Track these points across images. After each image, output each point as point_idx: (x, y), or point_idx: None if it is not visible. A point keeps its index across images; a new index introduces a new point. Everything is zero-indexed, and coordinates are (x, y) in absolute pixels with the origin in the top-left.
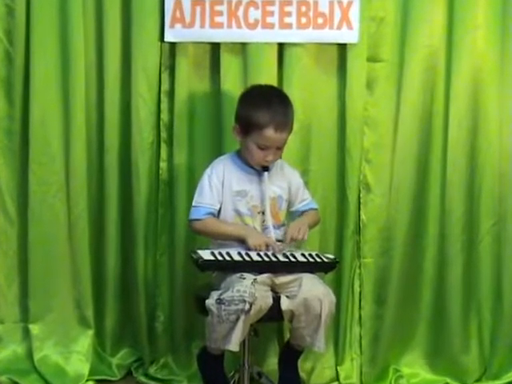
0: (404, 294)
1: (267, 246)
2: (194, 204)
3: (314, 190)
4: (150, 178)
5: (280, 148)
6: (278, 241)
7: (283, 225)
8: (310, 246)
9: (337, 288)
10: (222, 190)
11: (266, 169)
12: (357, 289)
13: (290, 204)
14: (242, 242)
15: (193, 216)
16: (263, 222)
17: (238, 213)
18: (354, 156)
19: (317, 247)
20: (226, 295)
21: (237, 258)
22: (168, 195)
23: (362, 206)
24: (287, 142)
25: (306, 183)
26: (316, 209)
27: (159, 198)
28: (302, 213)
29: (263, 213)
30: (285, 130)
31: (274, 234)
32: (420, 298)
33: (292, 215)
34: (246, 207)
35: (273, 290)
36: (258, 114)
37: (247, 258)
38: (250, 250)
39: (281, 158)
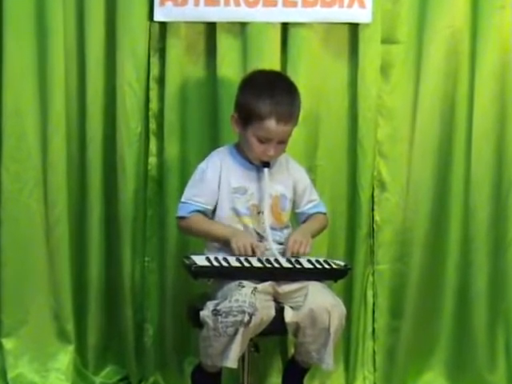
0: (423, 304)
1: (253, 249)
2: (181, 200)
3: (322, 189)
4: (137, 174)
5: (283, 142)
6: (281, 244)
7: (287, 226)
8: (317, 252)
9: (347, 298)
10: (219, 187)
11: (266, 164)
12: (370, 299)
13: (295, 205)
14: (227, 244)
15: (178, 213)
16: (263, 223)
17: (236, 212)
18: (366, 150)
19: (325, 252)
20: (223, 306)
21: (235, 263)
22: (158, 193)
23: (375, 206)
24: (292, 135)
25: (313, 181)
26: (324, 213)
27: (148, 197)
28: (309, 216)
29: (263, 212)
30: (289, 122)
31: (271, 237)
32: (441, 308)
33: (297, 218)
34: (244, 206)
35: (275, 299)
36: (259, 103)
37: (247, 264)
38: (233, 252)
39: (285, 152)
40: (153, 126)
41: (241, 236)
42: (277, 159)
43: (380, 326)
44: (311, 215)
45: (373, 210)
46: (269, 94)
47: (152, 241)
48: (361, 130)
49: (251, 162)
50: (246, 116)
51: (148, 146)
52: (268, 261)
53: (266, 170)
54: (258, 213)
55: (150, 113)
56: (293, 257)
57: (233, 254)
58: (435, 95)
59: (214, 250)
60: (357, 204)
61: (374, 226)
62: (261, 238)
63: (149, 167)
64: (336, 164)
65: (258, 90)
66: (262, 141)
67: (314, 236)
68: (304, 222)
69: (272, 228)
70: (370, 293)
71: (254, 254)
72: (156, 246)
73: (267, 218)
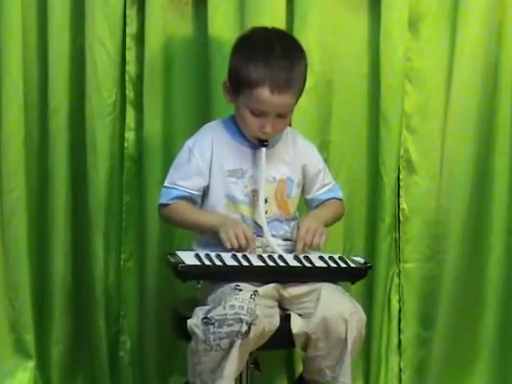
0: (460, 311)
1: (246, 239)
2: (164, 184)
3: (336, 170)
4: (111, 152)
5: (283, 116)
6: (286, 240)
7: (294, 218)
8: (330, 247)
9: (367, 303)
10: (210, 169)
11: (264, 143)
12: (395, 304)
13: (305, 190)
14: (217, 235)
15: (161, 199)
16: (266, 211)
17: (232, 199)
18: (391, 123)
19: (340, 247)
20: (216, 313)
21: (230, 262)
22: (136, 176)
23: (402, 192)
24: (296, 107)
25: (325, 160)
26: (340, 199)
27: (124, 181)
28: (321, 203)
29: (266, 200)
30: (286, 92)
31: (268, 231)
32: (481, 315)
33: (308, 205)
34: (242, 192)
35: (280, 305)
36: (249, 67)
37: (245, 263)
38: (224, 245)
39: (290, 125)
40: (130, 94)
41: (231, 224)
42: (281, 135)
43: (407, 338)
44: (324, 201)
45: (399, 196)
46: (263, 57)
47: (129, 233)
48: (384, 99)
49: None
50: (236, 83)
51: (124, 118)
52: (271, 258)
53: (263, 149)
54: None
55: (127, 78)
56: (303, 251)
57: (226, 249)
58: (475, 55)
59: (205, 245)
60: (379, 189)
61: (400, 216)
62: (261, 230)
63: (125, 144)
64: (353, 140)
65: (250, 52)
66: (256, 114)
67: (327, 225)
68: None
69: (276, 220)
70: (395, 297)
71: (247, 246)
72: (134, 239)
73: (262, 208)
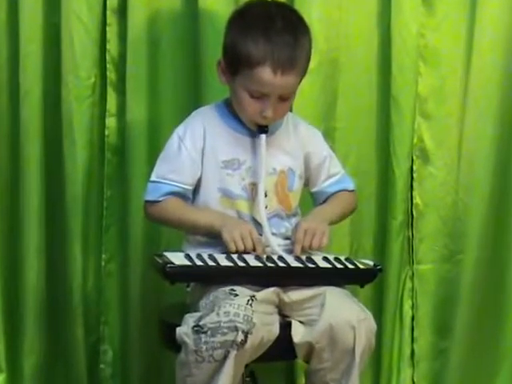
0: (480, 317)
1: (253, 242)
2: (151, 178)
3: (342, 161)
4: (90, 141)
5: (285, 99)
6: (288, 238)
7: (295, 214)
8: (336, 247)
9: (377, 309)
10: (203, 160)
11: (263, 129)
12: (408, 310)
13: (310, 182)
14: (217, 236)
15: (148, 196)
16: (266, 207)
17: (227, 194)
18: (403, 108)
19: (347, 248)
20: (209, 320)
21: (224, 262)
22: (119, 168)
23: (416, 184)
24: (298, 89)
25: (330, 149)
26: (351, 190)
27: (105, 173)
28: (330, 196)
29: (266, 194)
30: (291, 71)
31: (268, 228)
32: (504, 322)
33: (314, 199)
34: (238, 185)
35: (280, 312)
36: (248, 45)
37: (241, 264)
38: (227, 247)
39: (291, 110)
40: (111, 75)
41: (235, 224)
42: (281, 121)
43: (421, 348)
44: (332, 195)
45: (412, 189)
46: (263, 31)
47: (111, 232)
48: (395, 80)
49: (246, 125)
50: (233, 62)
51: (105, 102)
52: (270, 259)
53: (263, 136)
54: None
55: (108, 57)
56: (303, 253)
57: (225, 250)
58: (497, 32)
59: (196, 245)
60: (390, 182)
61: (414, 211)
62: (260, 228)
63: (106, 132)
64: (361, 127)
65: (249, 26)
66: (255, 96)
67: (334, 222)
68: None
69: (277, 216)
70: (407, 302)
71: (254, 249)
72: (116, 239)
73: (262, 203)
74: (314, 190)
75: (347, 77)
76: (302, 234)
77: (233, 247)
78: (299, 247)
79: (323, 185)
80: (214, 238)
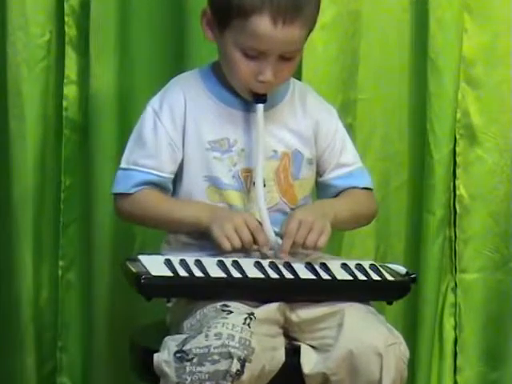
0: None
1: (252, 235)
2: (121, 165)
3: (365, 143)
4: (43, 115)
5: (289, 58)
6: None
7: None
8: (358, 250)
9: (411, 331)
10: (184, 140)
11: (261, 99)
12: (449, 332)
13: (317, 169)
14: (205, 234)
15: (117, 187)
16: (264, 199)
17: (215, 182)
18: (444, 73)
19: (371, 251)
20: (196, 345)
21: (215, 271)
22: (80, 151)
23: (459, 171)
24: (306, 46)
25: (349, 128)
26: (369, 188)
27: (63, 157)
28: (339, 194)
29: (264, 184)
30: (295, 21)
31: (270, 226)
32: None
33: (318, 193)
34: (228, 172)
35: (287, 333)
36: None
37: (236, 274)
38: (218, 248)
39: (300, 79)
40: (70, 31)
41: (226, 216)
42: (285, 90)
43: (467, 379)
44: (341, 192)
45: (454, 178)
46: None
47: (70, 233)
48: (434, 39)
49: (239, 95)
50: (223, 12)
51: (63, 66)
52: (273, 267)
53: (260, 108)
54: (253, 183)
55: (66, 8)
56: (293, 251)
57: (214, 253)
58: None
59: (179, 248)
60: (427, 168)
61: (457, 205)
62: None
63: (64, 104)
64: (389, 98)
65: None
66: (250, 56)
67: (340, 224)
68: None
69: (279, 211)
70: (449, 322)
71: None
72: (77, 241)
73: (261, 193)
74: (319, 179)
75: (371, 34)
76: (296, 226)
77: (227, 245)
78: (289, 242)
79: (330, 175)
80: (200, 237)
